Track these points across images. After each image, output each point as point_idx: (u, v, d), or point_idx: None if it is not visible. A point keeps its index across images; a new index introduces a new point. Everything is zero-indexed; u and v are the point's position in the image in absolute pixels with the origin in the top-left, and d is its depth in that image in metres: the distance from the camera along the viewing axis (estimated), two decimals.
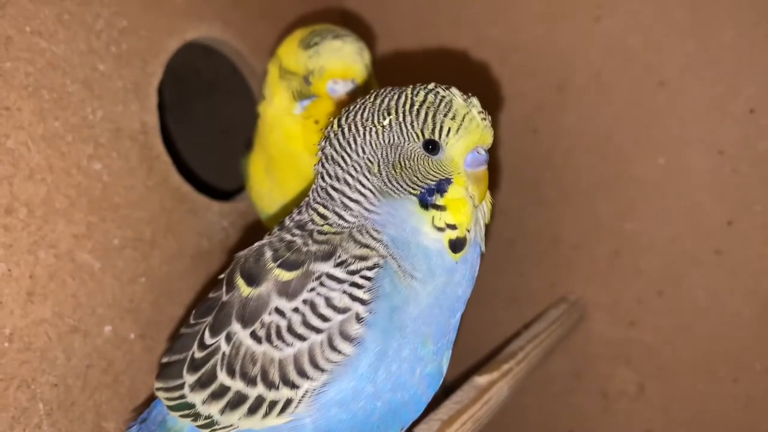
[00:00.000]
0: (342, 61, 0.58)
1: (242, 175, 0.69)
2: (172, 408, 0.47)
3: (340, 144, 0.44)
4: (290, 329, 0.42)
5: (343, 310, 0.41)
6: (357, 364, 0.41)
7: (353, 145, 0.43)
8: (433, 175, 0.42)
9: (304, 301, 0.41)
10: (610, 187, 0.72)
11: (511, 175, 0.77)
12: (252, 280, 0.44)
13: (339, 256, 0.42)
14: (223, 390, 0.44)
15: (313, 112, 0.59)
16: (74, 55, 0.55)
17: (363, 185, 0.43)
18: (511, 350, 0.62)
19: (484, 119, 0.42)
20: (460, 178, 0.42)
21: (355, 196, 0.44)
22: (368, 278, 0.41)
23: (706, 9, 0.66)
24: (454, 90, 0.43)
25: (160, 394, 0.48)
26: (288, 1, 0.80)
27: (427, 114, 0.41)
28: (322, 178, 0.45)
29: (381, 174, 0.43)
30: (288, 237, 0.45)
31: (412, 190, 0.42)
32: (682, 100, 0.68)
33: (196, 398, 0.45)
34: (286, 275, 0.42)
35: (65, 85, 0.54)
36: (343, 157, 0.44)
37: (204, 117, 0.89)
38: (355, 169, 0.43)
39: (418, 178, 0.42)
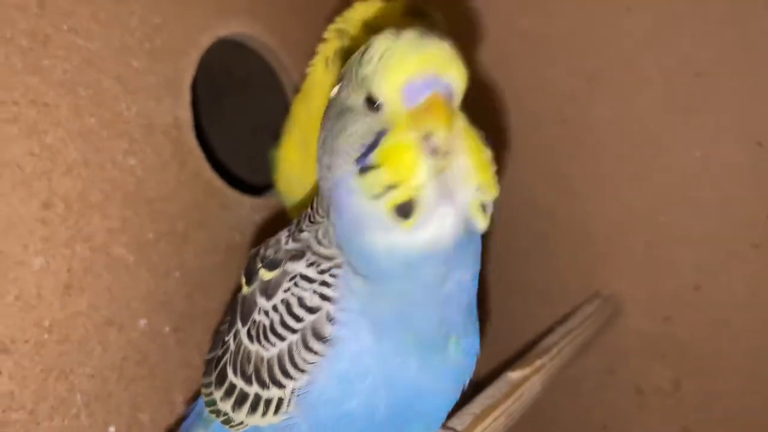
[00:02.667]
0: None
1: (272, 169, 0.69)
2: (206, 403, 0.49)
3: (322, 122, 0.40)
4: (272, 329, 0.41)
5: (314, 310, 0.40)
6: (335, 364, 0.40)
7: (324, 122, 0.39)
8: (371, 132, 0.35)
9: (282, 301, 0.41)
10: (643, 180, 0.71)
11: (541, 167, 0.76)
12: (248, 280, 0.44)
13: (308, 257, 0.41)
14: (232, 388, 0.45)
15: None
16: (109, 52, 0.56)
17: (321, 161, 0.39)
18: (545, 346, 0.62)
19: (417, 45, 0.34)
20: (399, 124, 0.34)
21: (320, 176, 0.39)
22: (336, 276, 0.39)
23: None
24: (386, 32, 0.35)
25: (203, 390, 0.50)
26: None
27: (355, 68, 0.36)
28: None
29: (331, 147, 0.37)
30: (281, 236, 0.44)
31: (351, 157, 0.35)
32: (718, 91, 0.67)
33: (217, 395, 0.46)
34: (267, 275, 0.42)
35: (100, 82, 0.55)
36: (321, 135, 0.40)
37: (236, 113, 0.89)
38: (321, 147, 0.39)
39: (356, 140, 0.35)
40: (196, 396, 0.61)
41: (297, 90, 0.65)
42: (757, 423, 0.68)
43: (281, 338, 0.41)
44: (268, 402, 0.42)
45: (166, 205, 0.60)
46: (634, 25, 0.70)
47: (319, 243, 0.41)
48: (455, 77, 0.34)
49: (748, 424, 0.69)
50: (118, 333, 0.55)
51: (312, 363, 0.40)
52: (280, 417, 0.42)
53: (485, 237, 0.40)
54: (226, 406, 0.45)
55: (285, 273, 0.41)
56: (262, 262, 0.43)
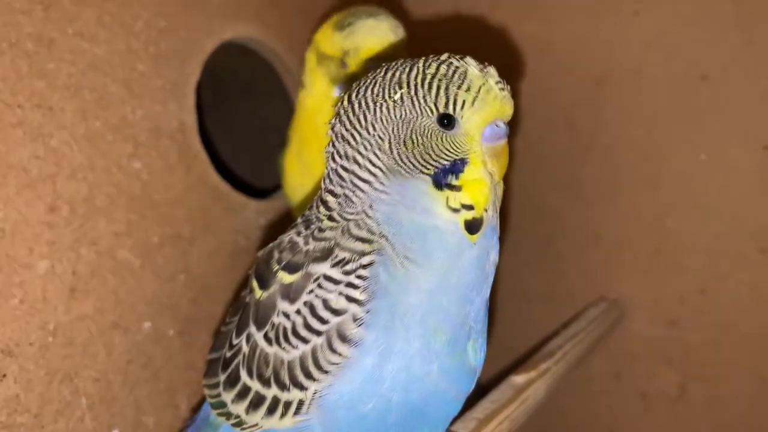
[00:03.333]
0: (377, 38, 0.57)
1: (278, 172, 0.69)
2: (213, 405, 0.48)
3: (350, 121, 0.42)
4: (294, 332, 0.41)
5: (339, 312, 0.40)
6: (359, 365, 0.40)
7: (363, 122, 0.41)
8: (448, 153, 0.40)
9: (305, 303, 0.41)
10: (650, 184, 0.70)
11: (548, 172, 0.76)
12: (263, 283, 0.44)
13: (336, 255, 0.41)
14: (246, 390, 0.44)
15: None
16: (114, 55, 0.56)
17: (373, 164, 0.41)
18: (549, 349, 0.61)
19: (503, 89, 0.40)
20: (476, 156, 0.40)
21: (365, 175, 0.41)
22: (364, 277, 0.40)
23: (750, 1, 0.64)
24: (468, 59, 0.40)
25: (206, 391, 0.49)
26: (324, 0, 0.80)
27: (440, 86, 0.39)
28: (333, 158, 0.43)
29: (392, 152, 0.40)
30: (294, 237, 0.44)
31: (425, 169, 0.40)
32: (725, 95, 0.67)
33: (227, 397, 0.46)
34: (288, 278, 0.42)
35: (106, 85, 0.55)
36: (353, 135, 0.42)
37: (241, 117, 0.89)
38: (365, 147, 0.41)
39: (431, 156, 0.40)
40: (202, 399, 0.61)
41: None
42: (763, 428, 0.68)
43: (304, 341, 0.41)
44: (287, 404, 0.42)
45: (171, 208, 0.60)
46: (641, 30, 0.70)
47: (353, 237, 0.41)
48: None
49: (755, 429, 0.68)
50: (122, 336, 0.55)
51: (336, 364, 0.40)
52: (299, 419, 0.42)
53: None
54: (238, 408, 0.45)
55: (308, 275, 0.41)
56: (279, 264, 0.43)
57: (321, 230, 0.42)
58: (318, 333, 0.40)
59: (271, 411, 0.43)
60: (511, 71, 0.77)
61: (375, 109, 0.41)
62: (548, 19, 0.75)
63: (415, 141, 0.40)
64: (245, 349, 0.45)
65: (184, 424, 0.59)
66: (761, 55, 0.64)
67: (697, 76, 0.67)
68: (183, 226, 0.61)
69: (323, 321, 0.40)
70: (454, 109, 0.39)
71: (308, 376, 0.41)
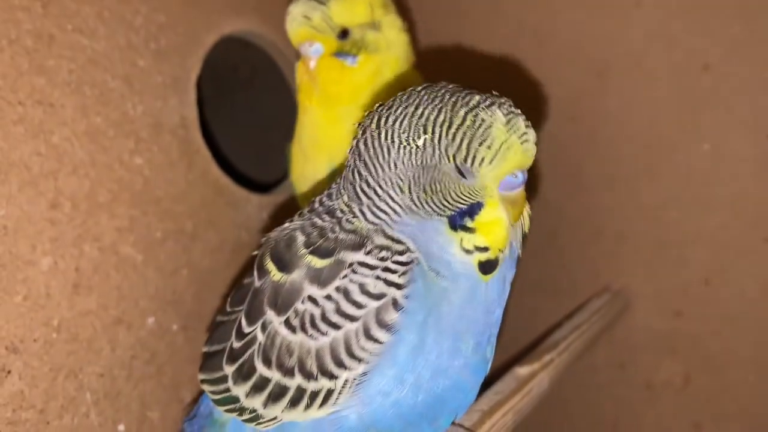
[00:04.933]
0: (289, 27, 0.58)
1: (286, 162, 0.68)
2: (218, 402, 0.47)
3: (374, 149, 0.42)
4: (324, 318, 0.41)
5: (378, 296, 0.40)
6: (395, 352, 0.40)
7: (386, 156, 0.41)
8: (464, 199, 0.40)
9: (337, 289, 0.41)
10: (653, 175, 0.70)
11: (551, 164, 0.76)
12: (284, 266, 0.43)
13: (368, 247, 0.41)
14: (264, 382, 0.43)
15: (298, 74, 0.61)
16: (114, 51, 0.56)
17: (392, 199, 0.42)
18: (553, 341, 0.61)
19: (526, 142, 0.39)
20: (492, 202, 0.40)
21: (384, 207, 0.42)
22: (402, 263, 0.40)
23: None
24: (496, 111, 0.39)
25: (206, 387, 0.48)
26: None
27: (462, 139, 0.38)
28: (353, 173, 0.43)
29: (411, 194, 0.41)
30: (319, 222, 0.44)
31: (441, 213, 0.41)
32: (727, 85, 0.66)
33: (240, 391, 0.44)
34: (318, 262, 0.42)
35: (106, 81, 0.55)
36: (374, 166, 0.42)
37: (242, 111, 0.89)
38: (386, 183, 0.41)
39: (448, 201, 0.40)
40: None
41: None
42: None
43: (336, 327, 0.40)
44: (314, 394, 0.41)
45: (173, 204, 0.60)
46: (642, 20, 0.69)
47: (387, 237, 0.41)
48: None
49: (760, 418, 0.68)
50: (126, 332, 0.55)
51: (371, 351, 0.40)
52: (328, 409, 0.41)
53: None
54: (254, 402, 0.44)
55: (341, 262, 0.41)
56: (306, 248, 0.42)
57: (350, 222, 0.43)
58: (353, 318, 0.40)
59: (294, 403, 0.42)
60: (512, 63, 0.77)
61: (399, 148, 0.41)
62: (549, 10, 0.74)
63: (433, 188, 0.40)
64: (261, 338, 0.43)
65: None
66: (764, 44, 0.64)
67: (699, 66, 0.67)
68: (185, 222, 0.61)
69: (360, 306, 0.40)
70: (473, 164, 0.39)
71: (340, 364, 0.40)
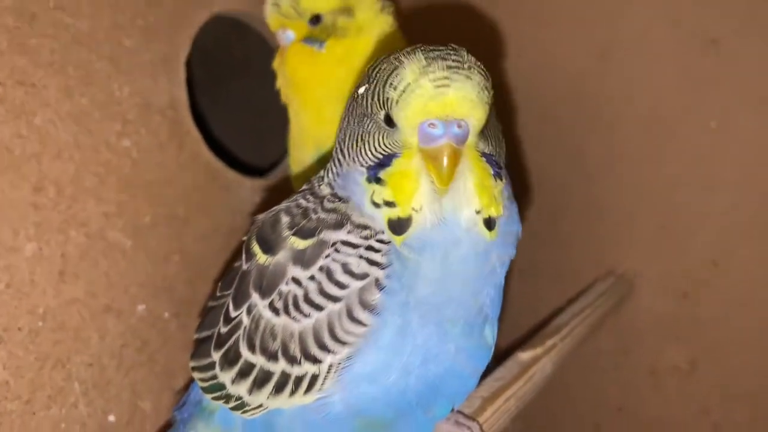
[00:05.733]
0: (265, 15, 0.59)
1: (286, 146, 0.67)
2: (205, 390, 0.46)
3: (344, 112, 0.43)
4: (307, 299, 0.39)
5: (361, 276, 0.38)
6: (379, 335, 0.38)
7: (347, 110, 0.42)
8: (385, 148, 0.38)
9: (320, 269, 0.39)
10: (658, 155, 0.68)
11: (553, 147, 0.74)
12: (268, 248, 0.42)
13: (348, 227, 0.40)
14: (249, 367, 0.42)
15: (275, 62, 0.62)
16: (99, 30, 0.54)
17: (340, 152, 0.42)
18: (556, 325, 0.60)
19: (442, 86, 0.36)
20: (408, 152, 0.38)
21: (336, 162, 0.42)
22: (384, 242, 0.39)
23: None
24: (416, 53, 0.37)
25: (195, 374, 0.47)
26: None
27: (380, 83, 0.37)
28: (335, 145, 0.44)
29: (350, 145, 0.40)
30: (303, 203, 0.43)
31: (365, 162, 0.39)
32: (734, 61, 0.64)
33: (226, 378, 0.43)
34: (301, 243, 0.40)
35: (91, 62, 0.53)
36: (341, 127, 0.42)
37: (236, 95, 0.88)
38: (342, 138, 0.42)
39: (372, 151, 0.39)
40: None
41: None
42: None
43: (318, 308, 0.39)
44: (298, 380, 0.40)
45: (163, 187, 0.58)
46: None
47: (362, 214, 0.40)
48: (474, 118, 0.37)
49: None
50: (116, 320, 0.54)
51: (355, 334, 0.38)
52: (314, 396, 0.40)
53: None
54: (239, 389, 0.43)
55: (323, 242, 0.40)
56: (290, 230, 0.41)
57: (331, 201, 0.41)
58: (336, 299, 0.39)
59: (279, 389, 0.41)
60: (512, 43, 0.75)
61: (350, 103, 0.41)
62: None
63: (366, 136, 0.39)
64: (246, 321, 0.42)
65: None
66: None
67: (706, 40, 0.65)
68: (176, 206, 0.59)
69: (342, 286, 0.39)
70: (387, 107, 0.37)
71: (323, 347, 0.39)
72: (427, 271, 0.39)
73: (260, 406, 0.42)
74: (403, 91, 0.36)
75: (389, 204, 0.38)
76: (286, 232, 0.41)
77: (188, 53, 0.62)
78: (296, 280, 0.40)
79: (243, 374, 0.42)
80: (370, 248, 0.39)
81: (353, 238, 0.39)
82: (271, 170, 0.74)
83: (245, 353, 0.42)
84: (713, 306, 0.68)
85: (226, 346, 0.44)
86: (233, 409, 0.44)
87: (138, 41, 0.56)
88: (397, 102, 0.36)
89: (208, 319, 0.47)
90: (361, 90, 0.39)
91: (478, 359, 0.43)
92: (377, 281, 0.38)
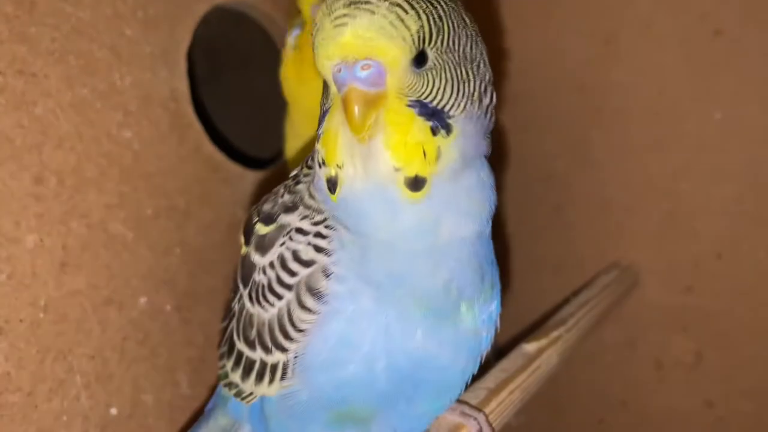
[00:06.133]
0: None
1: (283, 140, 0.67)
2: (219, 378, 0.46)
3: None
4: (270, 287, 0.39)
5: (308, 263, 0.37)
6: (330, 323, 0.37)
7: None
8: (323, 106, 0.36)
9: (278, 256, 0.38)
10: (663, 146, 0.68)
11: (556, 135, 0.74)
12: (247, 238, 0.42)
13: (300, 210, 0.38)
14: (240, 356, 0.42)
15: (300, 42, 0.57)
16: (100, 20, 0.53)
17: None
18: (561, 317, 0.59)
19: (340, 26, 0.32)
20: (333, 106, 0.35)
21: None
22: (332, 227, 0.37)
23: None
24: None
25: (218, 363, 0.47)
26: None
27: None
28: None
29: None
30: (279, 189, 0.42)
31: (319, 128, 0.37)
32: (740, 51, 0.64)
33: (229, 365, 0.44)
34: (263, 229, 0.40)
35: (92, 51, 0.52)
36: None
37: (238, 88, 0.87)
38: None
39: (321, 112, 0.37)
40: (202, 376, 0.60)
41: None
42: None
43: (278, 297, 0.38)
44: (273, 368, 0.39)
45: (165, 179, 0.58)
46: None
47: (311, 195, 0.39)
48: (388, 56, 0.32)
49: None
50: (118, 312, 0.53)
51: (308, 322, 0.37)
52: (285, 383, 0.39)
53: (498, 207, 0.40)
54: (236, 376, 0.43)
55: (281, 227, 0.39)
56: (258, 216, 0.41)
57: (297, 183, 0.40)
58: (289, 287, 0.38)
59: (260, 377, 0.41)
60: (517, 31, 0.74)
61: None
62: None
63: (324, 93, 0.37)
64: (236, 311, 0.43)
65: (184, 401, 0.57)
66: None
67: (710, 30, 0.65)
68: (178, 198, 0.59)
69: (293, 274, 0.38)
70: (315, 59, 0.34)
71: (286, 336, 0.38)
72: (372, 244, 0.36)
73: (251, 393, 0.42)
74: (319, 30, 0.33)
75: (322, 163, 0.36)
76: (255, 219, 0.41)
77: (189, 45, 0.61)
78: (262, 269, 0.39)
79: (237, 362, 0.43)
80: (318, 234, 0.37)
81: (306, 225, 0.38)
82: (272, 162, 0.74)
83: (236, 341, 0.43)
84: (718, 299, 0.68)
85: (226, 335, 0.44)
86: (235, 396, 0.44)
87: (139, 32, 0.56)
88: (315, 48, 0.33)
89: (228, 308, 0.48)
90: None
91: (460, 348, 0.40)
92: (324, 269, 0.37)
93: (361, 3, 0.31)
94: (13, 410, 0.46)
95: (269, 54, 0.76)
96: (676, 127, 0.67)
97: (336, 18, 0.32)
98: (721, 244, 0.67)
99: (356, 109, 0.32)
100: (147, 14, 0.57)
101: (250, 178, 0.67)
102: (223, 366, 0.45)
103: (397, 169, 0.34)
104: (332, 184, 0.35)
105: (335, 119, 0.34)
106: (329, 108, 0.35)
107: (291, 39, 0.57)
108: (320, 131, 0.36)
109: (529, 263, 0.76)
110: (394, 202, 0.35)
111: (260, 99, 0.84)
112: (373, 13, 0.31)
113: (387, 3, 0.32)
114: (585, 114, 0.72)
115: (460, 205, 0.37)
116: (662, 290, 0.70)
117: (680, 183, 0.68)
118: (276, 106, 0.68)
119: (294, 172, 0.43)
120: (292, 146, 0.63)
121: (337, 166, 0.35)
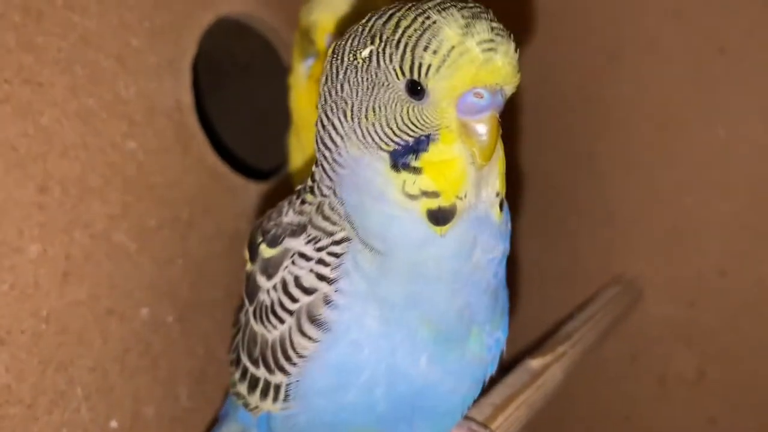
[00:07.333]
0: (331, 12, 0.54)
1: (285, 153, 0.67)
2: (231, 385, 0.46)
3: (327, 77, 0.36)
4: (273, 310, 0.39)
5: (310, 291, 0.37)
6: (330, 352, 0.37)
7: (335, 80, 0.35)
8: (413, 128, 0.33)
9: (281, 280, 0.38)
10: (667, 160, 0.68)
11: (561, 148, 0.74)
12: (252, 256, 0.42)
13: (308, 232, 0.38)
14: (245, 370, 0.42)
15: (315, 72, 0.56)
16: (107, 29, 0.53)
17: (336, 130, 0.36)
18: (566, 332, 0.59)
19: (490, 51, 0.31)
20: (448, 133, 0.33)
21: (328, 142, 0.36)
22: (336, 254, 0.36)
23: None
24: (451, 10, 0.31)
25: (230, 368, 0.47)
26: None
27: (407, 45, 0.31)
28: (319, 120, 0.38)
29: (353, 120, 0.34)
30: (282, 207, 0.41)
31: (384, 145, 0.34)
32: (743, 68, 0.64)
33: (236, 375, 0.44)
34: (267, 251, 0.40)
35: (98, 61, 0.52)
36: (327, 93, 0.36)
37: (241, 98, 0.87)
38: (332, 109, 0.36)
39: (393, 130, 0.33)
40: (203, 388, 0.59)
41: None
42: None
43: (281, 321, 0.39)
44: (277, 388, 0.40)
45: (168, 190, 0.57)
46: (656, 0, 0.67)
47: (325, 218, 0.37)
48: (513, 87, 0.33)
49: None
50: (119, 323, 0.53)
51: (306, 348, 0.37)
52: (285, 404, 0.40)
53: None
54: (243, 388, 0.43)
55: (286, 251, 0.39)
56: (263, 236, 0.41)
57: (303, 203, 0.40)
58: (290, 313, 0.38)
59: (264, 394, 0.41)
60: (521, 45, 0.74)
61: (347, 67, 0.34)
62: None
63: (378, 110, 0.33)
64: (242, 323, 0.43)
65: (185, 414, 0.57)
66: None
67: (715, 48, 0.65)
68: (181, 209, 0.58)
69: (294, 300, 0.38)
70: (419, 74, 0.31)
71: (288, 359, 0.38)
72: (396, 265, 0.35)
73: (257, 407, 0.43)
74: (447, 56, 0.31)
75: (430, 194, 0.33)
76: (260, 239, 0.41)
77: (194, 56, 0.61)
78: (266, 290, 0.39)
79: (243, 375, 0.43)
80: (321, 261, 0.37)
81: (309, 250, 0.37)
82: (275, 173, 0.73)
83: (241, 356, 0.43)
84: (721, 314, 0.67)
85: (235, 342, 0.45)
86: (243, 406, 0.44)
87: (145, 42, 0.56)
88: (438, 69, 0.31)
89: (237, 318, 0.48)
90: (366, 52, 0.33)
91: (464, 375, 0.40)
92: (325, 297, 0.36)
93: (501, 30, 0.32)
94: (13, 422, 0.45)
95: (272, 66, 0.76)
96: (681, 142, 0.67)
97: (484, 42, 0.31)
98: (724, 259, 0.67)
99: (489, 135, 0.32)
100: (153, 24, 0.57)
101: (254, 189, 0.67)
102: (233, 373, 0.45)
103: (497, 194, 0.36)
104: (445, 217, 0.34)
105: (454, 147, 0.33)
106: (431, 135, 0.33)
107: (304, 68, 0.57)
108: (415, 162, 0.33)
109: (533, 275, 0.76)
110: (491, 225, 0.36)
111: (263, 110, 0.84)
112: (512, 41, 0.32)
113: (508, 31, 0.32)
114: (590, 127, 0.72)
115: (492, 225, 0.36)
116: (666, 305, 0.70)
117: (684, 197, 0.68)
118: (279, 117, 0.68)
119: (298, 188, 0.43)
120: (297, 159, 0.63)
121: (458, 197, 0.34)
